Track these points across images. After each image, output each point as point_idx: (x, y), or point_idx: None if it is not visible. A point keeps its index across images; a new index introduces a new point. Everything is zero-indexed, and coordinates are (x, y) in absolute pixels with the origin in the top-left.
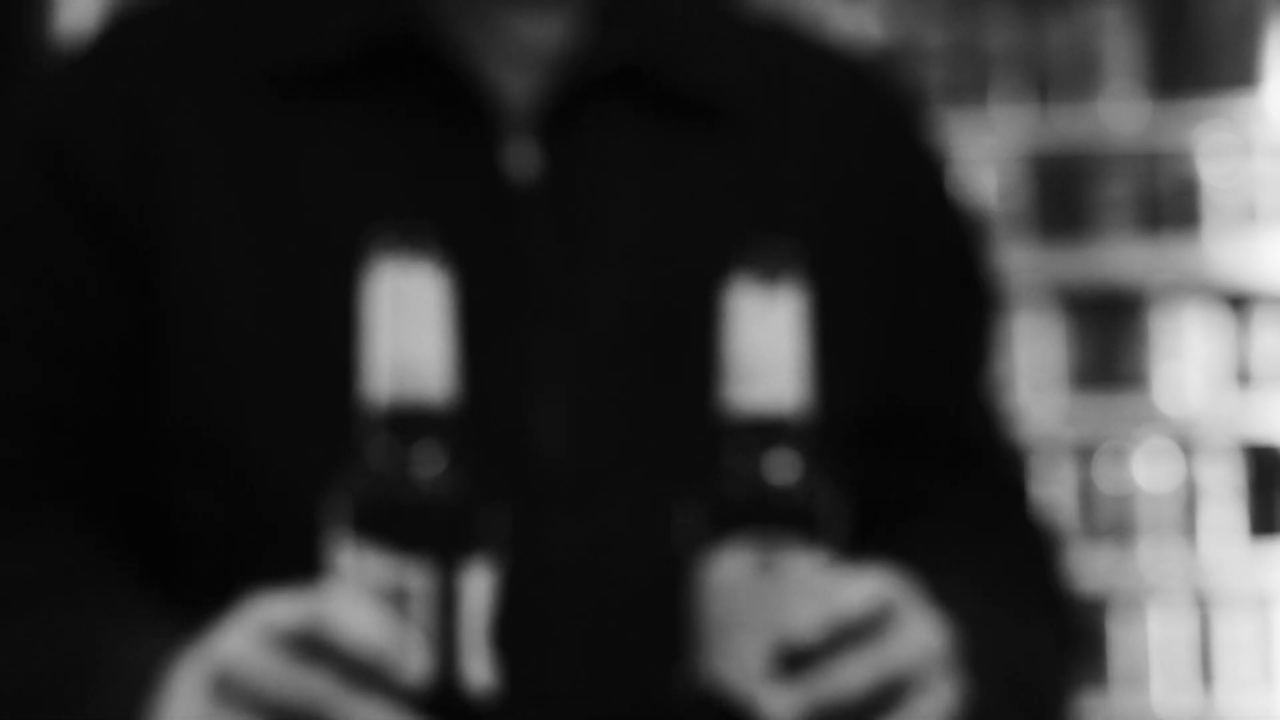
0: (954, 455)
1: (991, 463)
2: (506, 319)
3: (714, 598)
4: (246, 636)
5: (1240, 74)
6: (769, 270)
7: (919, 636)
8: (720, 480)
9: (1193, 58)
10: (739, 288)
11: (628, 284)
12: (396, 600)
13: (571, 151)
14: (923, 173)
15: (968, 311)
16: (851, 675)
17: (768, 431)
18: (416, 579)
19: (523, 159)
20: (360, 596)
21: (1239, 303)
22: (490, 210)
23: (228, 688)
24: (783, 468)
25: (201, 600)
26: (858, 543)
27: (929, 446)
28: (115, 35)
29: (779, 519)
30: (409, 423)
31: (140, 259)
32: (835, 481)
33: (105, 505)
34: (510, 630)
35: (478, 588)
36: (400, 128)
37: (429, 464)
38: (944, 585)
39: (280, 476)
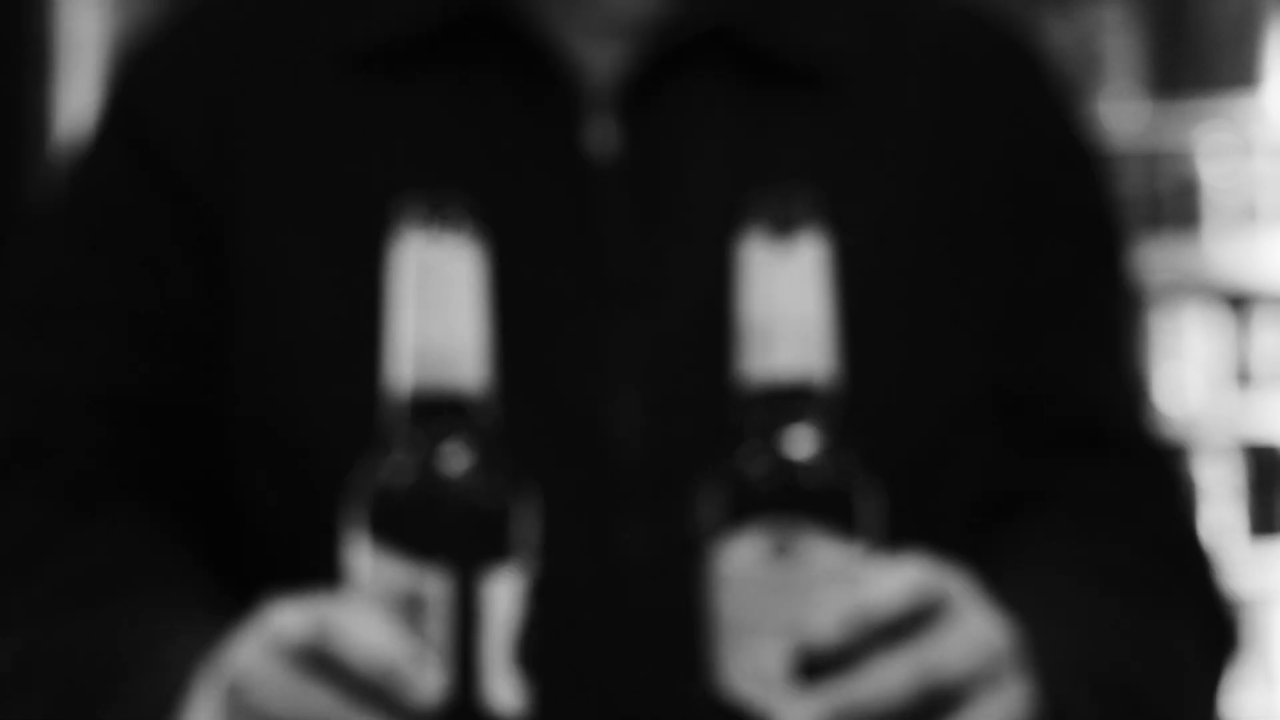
0: (1087, 439)
1: (1131, 449)
2: (581, 306)
3: (727, 592)
4: (257, 648)
5: (1240, 74)
6: (784, 221)
7: (974, 635)
8: (735, 460)
9: (1193, 58)
10: (750, 242)
11: (713, 270)
12: (412, 610)
13: (656, 126)
14: (1051, 125)
15: (1102, 278)
16: (883, 680)
17: (786, 402)
18: (434, 587)
19: (603, 136)
20: (372, 606)
21: (1239, 303)
22: (567, 190)
23: (238, 701)
24: (802, 442)
25: (265, 586)
26: (975, 534)
27: (1059, 428)
28: (198, 15)
29: (798, 500)
30: (435, 413)
31: (216, 241)
32: (866, 460)
33: (176, 491)
34: (575, 635)
35: (503, 598)
36: (477, 104)
37: (453, 459)
38: (1045, 582)
39: (338, 459)
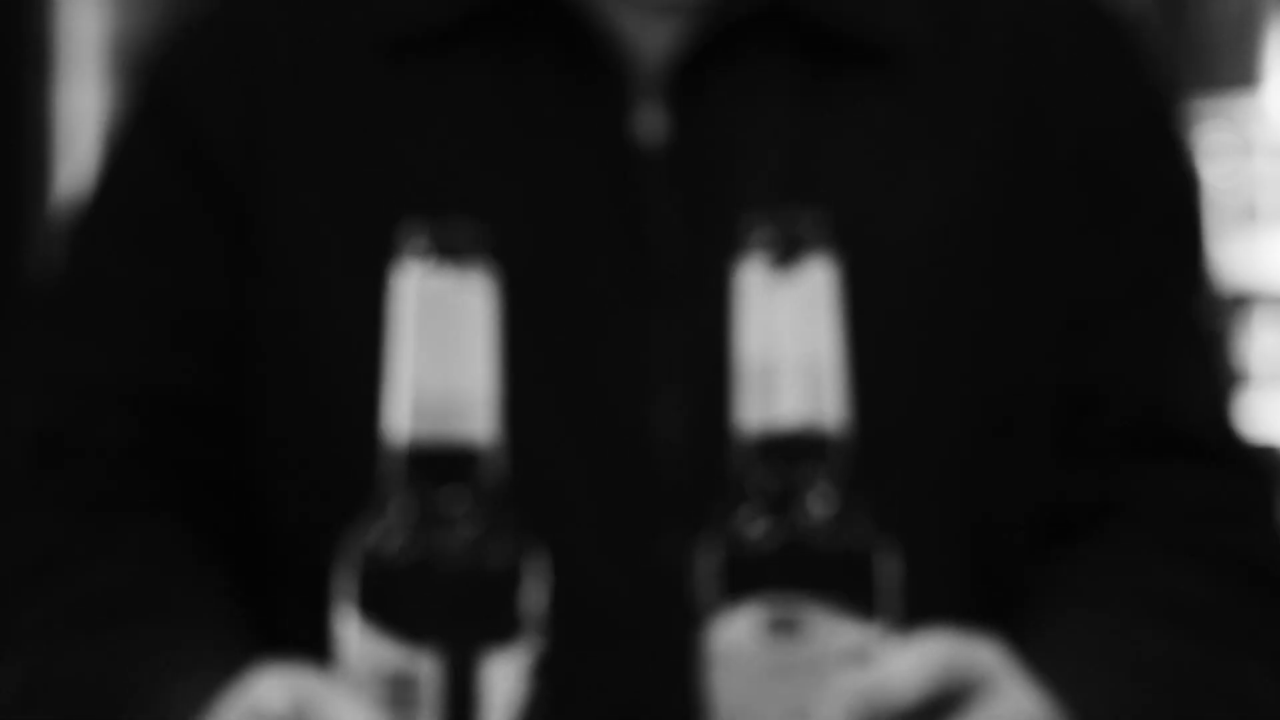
0: (1162, 443)
1: (1213, 455)
2: (623, 302)
3: (724, 673)
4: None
5: (1240, 74)
6: (787, 246)
7: (1010, 718)
8: (734, 521)
9: (1193, 58)
10: (748, 270)
11: None
12: (402, 692)
13: (709, 111)
14: (1133, 106)
15: (1183, 271)
16: None
17: (790, 455)
18: (427, 668)
19: (653, 121)
20: (358, 687)
21: (1239, 303)
22: (613, 179)
23: None
24: (809, 501)
25: (290, 592)
26: (1031, 556)
27: (1129, 430)
28: (231, 5)
29: (804, 569)
30: (435, 470)
31: (250, 237)
32: (881, 520)
33: (207, 493)
34: (615, 645)
35: (504, 680)
36: (520, 89)
37: (453, 526)
38: (1107, 623)
39: (370, 464)
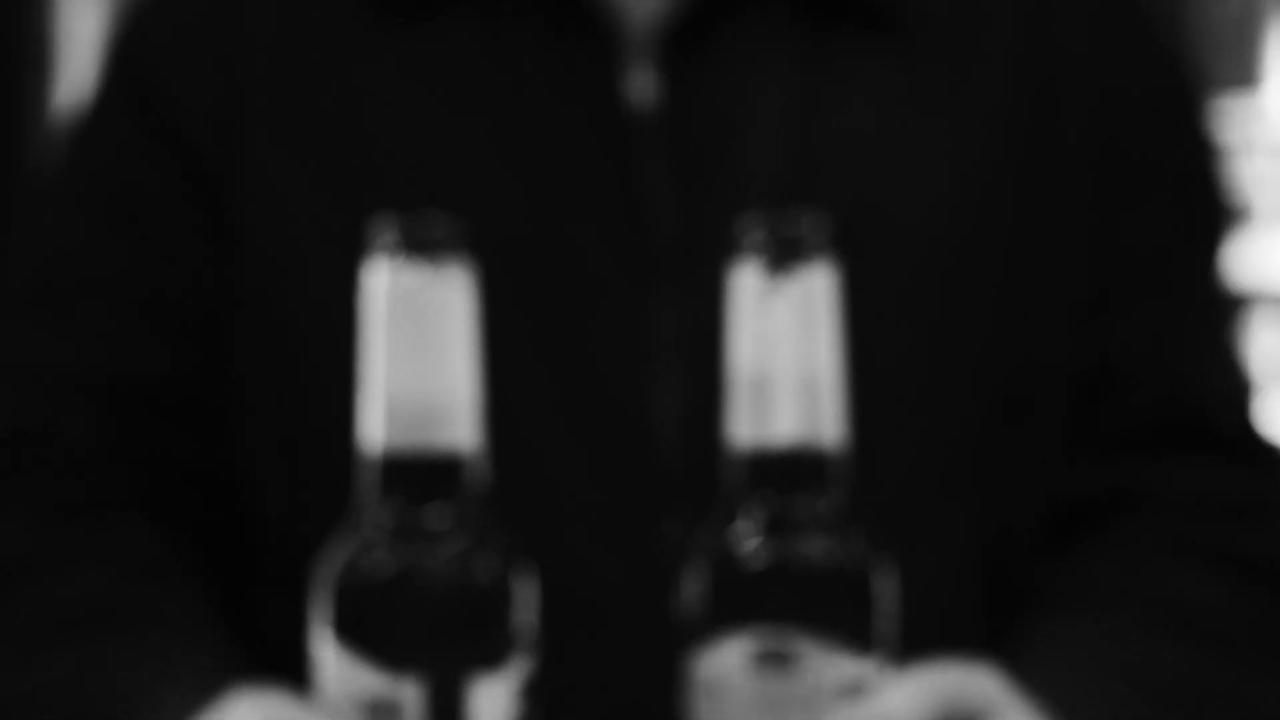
0: (1181, 430)
1: (1235, 446)
2: (618, 276)
3: (711, 704)
4: None
5: (1240, 74)
6: (784, 249)
7: None
8: (724, 543)
9: (1192, 58)
10: (742, 275)
11: None
12: (385, 717)
13: (704, 73)
14: (1149, 73)
15: (1203, 249)
16: None
17: (784, 474)
18: (411, 694)
19: (645, 84)
20: (334, 716)
21: (1239, 303)
22: (604, 145)
23: None
24: (804, 524)
25: (274, 584)
26: (1043, 552)
27: (1147, 417)
28: None
29: (798, 595)
30: (415, 481)
31: (225, 213)
32: (885, 532)
33: (184, 485)
34: (612, 637)
35: (494, 703)
36: (507, 51)
37: (435, 540)
38: (1122, 633)
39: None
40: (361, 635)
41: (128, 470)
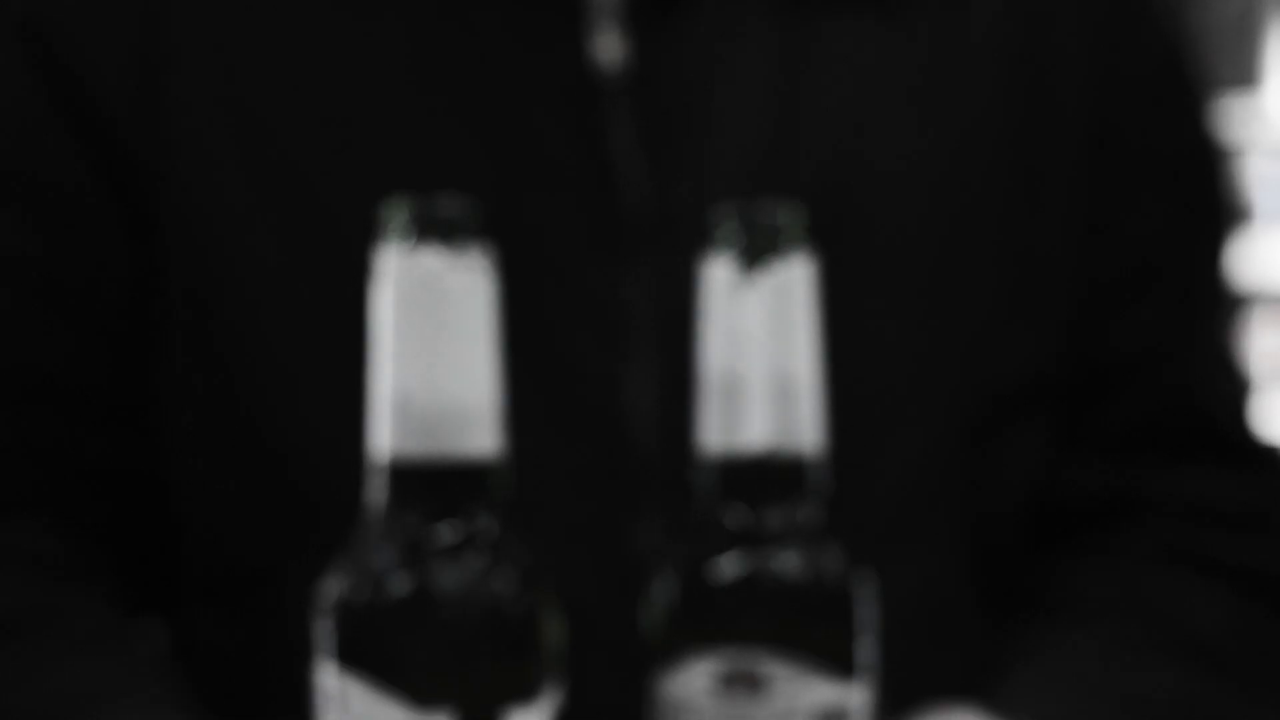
0: (1178, 432)
1: (1235, 450)
2: (588, 249)
3: None
4: None
5: (1240, 74)
6: (759, 241)
7: None
8: (692, 557)
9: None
10: (714, 269)
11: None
12: None
13: (676, 34)
14: (1148, 52)
15: (1203, 241)
16: None
17: (757, 483)
18: None
19: (611, 46)
20: None
21: (1239, 302)
22: (571, 110)
23: None
24: (777, 536)
25: (204, 597)
26: (1029, 561)
27: (1141, 417)
28: None
29: (769, 613)
30: (431, 493)
31: (146, 193)
32: (860, 557)
33: (99, 486)
34: (586, 641)
35: None
36: (465, 12)
37: (459, 562)
38: (1113, 654)
39: (306, 455)
40: (376, 668)
41: (26, 469)
